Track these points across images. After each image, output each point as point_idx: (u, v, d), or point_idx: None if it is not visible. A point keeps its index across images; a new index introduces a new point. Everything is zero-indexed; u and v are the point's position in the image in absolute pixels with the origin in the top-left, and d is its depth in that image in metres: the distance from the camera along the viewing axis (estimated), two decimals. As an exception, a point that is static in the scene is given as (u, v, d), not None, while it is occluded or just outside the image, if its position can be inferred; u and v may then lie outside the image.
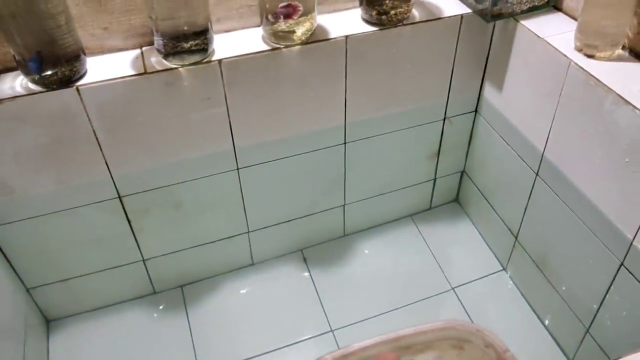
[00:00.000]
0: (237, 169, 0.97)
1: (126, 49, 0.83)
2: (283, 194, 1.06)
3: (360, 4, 0.89)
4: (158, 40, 0.78)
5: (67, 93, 0.75)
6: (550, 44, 0.83)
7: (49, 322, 1.04)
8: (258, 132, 0.93)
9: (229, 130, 0.90)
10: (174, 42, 0.77)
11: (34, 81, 0.74)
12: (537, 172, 0.94)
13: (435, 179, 1.21)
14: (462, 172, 1.23)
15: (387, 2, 0.87)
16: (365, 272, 1.17)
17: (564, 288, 0.96)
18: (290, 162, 1.00)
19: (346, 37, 0.86)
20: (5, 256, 0.90)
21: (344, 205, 1.16)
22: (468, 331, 0.63)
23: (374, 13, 0.88)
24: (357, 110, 0.97)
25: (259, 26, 0.87)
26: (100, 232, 0.95)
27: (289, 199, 1.08)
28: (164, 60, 0.80)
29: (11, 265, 0.92)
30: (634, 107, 0.70)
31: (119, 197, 0.91)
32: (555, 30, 0.85)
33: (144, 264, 1.04)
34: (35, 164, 0.81)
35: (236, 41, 0.84)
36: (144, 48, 0.83)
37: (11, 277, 0.91)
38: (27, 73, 0.74)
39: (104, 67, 0.79)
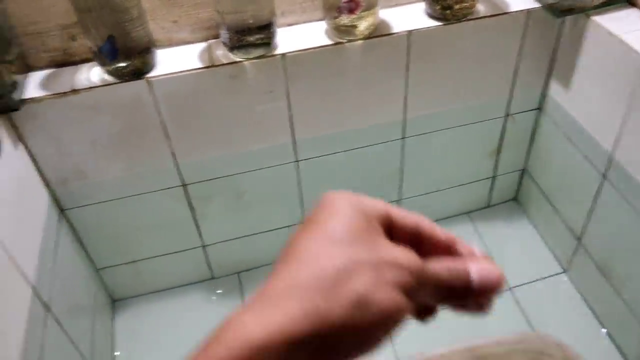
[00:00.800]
0: (296, 161, 0.98)
1: (193, 42, 0.85)
2: (339, 187, 1.06)
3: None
4: (224, 34, 0.80)
5: (139, 85, 0.79)
6: (624, 42, 0.79)
7: (114, 302, 1.10)
8: (317, 125, 0.94)
9: (289, 123, 0.92)
10: (240, 35, 0.80)
11: (108, 72, 0.78)
12: (604, 174, 0.91)
13: (494, 177, 1.19)
14: (523, 171, 1.20)
15: (451, -4, 0.86)
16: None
17: (628, 295, 0.92)
18: (348, 156, 1.01)
19: (409, 32, 0.86)
20: (78, 237, 0.95)
21: (399, 200, 1.16)
22: (547, 345, 0.62)
23: (437, 8, 0.87)
24: (417, 105, 0.97)
25: (321, 20, 0.88)
26: (165, 217, 0.99)
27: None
28: (229, 54, 0.82)
29: (83, 246, 0.97)
30: None
31: (184, 185, 0.94)
32: (629, 27, 0.82)
33: (204, 249, 1.07)
34: (108, 151, 0.85)
35: (299, 35, 0.85)
36: (210, 41, 0.86)
37: (83, 257, 0.97)
38: (102, 63, 0.78)
39: (173, 60, 0.82)
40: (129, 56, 0.77)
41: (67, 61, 0.82)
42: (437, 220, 1.23)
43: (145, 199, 0.94)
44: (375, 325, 0.25)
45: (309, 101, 0.90)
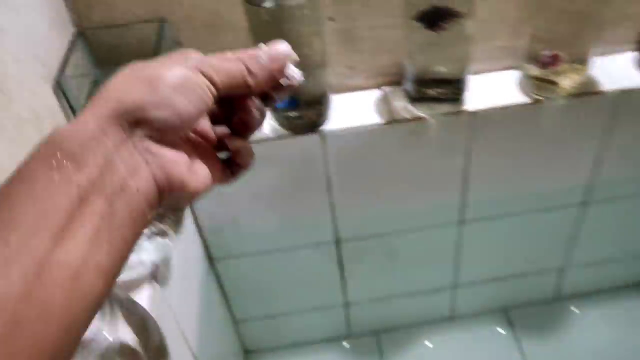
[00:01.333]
0: (461, 222, 0.88)
1: (366, 88, 0.77)
2: (501, 250, 0.95)
3: (638, 49, 0.75)
4: (408, 84, 0.71)
5: (312, 139, 0.72)
6: None
7: (247, 353, 1.04)
8: (492, 185, 0.83)
9: (462, 182, 0.81)
10: (427, 88, 0.71)
11: (280, 123, 0.72)
12: None
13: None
14: None
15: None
16: (582, 347, 1.02)
17: None
18: (517, 220, 0.89)
19: (621, 91, 0.73)
20: (222, 288, 0.90)
21: (563, 267, 1.02)
22: None
23: (655, 61, 0.73)
24: (611, 167, 0.83)
25: (511, 69, 0.77)
26: (311, 273, 0.91)
27: (506, 256, 0.97)
28: (409, 106, 0.73)
29: (225, 297, 0.92)
30: None
31: (337, 241, 0.87)
32: None
33: (346, 307, 0.99)
34: (266, 203, 0.79)
35: (488, 86, 0.75)
36: (385, 88, 0.77)
37: (224, 308, 0.92)
38: (275, 111, 0.71)
39: (347, 109, 0.74)
40: (305, 107, 0.70)
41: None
42: (604, 291, 1.08)
43: (294, 254, 0.87)
44: (179, 94, 0.28)
45: (488, 160, 0.79)
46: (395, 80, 0.76)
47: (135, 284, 0.60)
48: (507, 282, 1.02)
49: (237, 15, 0.67)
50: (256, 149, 0.71)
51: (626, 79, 0.74)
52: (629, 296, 1.08)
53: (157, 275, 0.61)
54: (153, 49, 0.62)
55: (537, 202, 0.88)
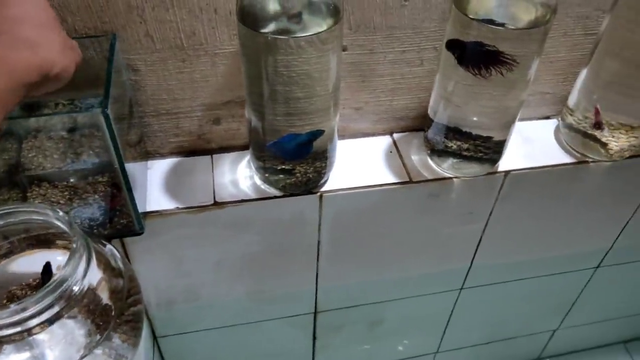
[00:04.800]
0: (461, 288, 0.74)
1: (374, 133, 0.61)
2: (496, 315, 0.83)
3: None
4: (434, 134, 0.55)
5: (306, 200, 0.54)
6: None
7: None
8: (505, 251, 0.70)
9: (474, 248, 0.67)
10: (457, 140, 0.55)
11: (265, 179, 0.53)
12: None
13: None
14: None
15: None
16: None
17: None
18: (522, 285, 0.77)
19: (672, 153, 0.61)
20: (164, 367, 0.70)
21: (555, 330, 0.91)
22: None
23: None
24: (636, 232, 0.72)
25: (546, 118, 0.64)
26: (279, 347, 0.74)
27: (500, 321, 0.85)
28: (429, 160, 0.57)
29: (167, 375, 0.72)
30: None
31: (315, 313, 0.70)
32: None
33: (313, 379, 0.82)
34: (237, 272, 0.61)
35: (520, 139, 0.61)
36: (396, 135, 0.61)
37: (165, 390, 0.72)
38: (260, 158, 0.53)
39: (351, 162, 0.57)
40: (302, 160, 0.52)
41: (198, 149, 0.57)
42: (586, 350, 1.00)
43: (261, 327, 0.69)
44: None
45: (509, 225, 0.65)
46: (410, 126, 0.60)
47: None
48: (493, 345, 0.90)
49: (219, 37, 0.48)
50: (229, 212, 0.53)
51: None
52: (614, 354, 1.00)
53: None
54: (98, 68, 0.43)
55: (548, 268, 0.75)
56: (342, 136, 0.59)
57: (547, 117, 0.64)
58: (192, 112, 0.54)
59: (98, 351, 0.38)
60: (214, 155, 0.57)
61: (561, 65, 0.59)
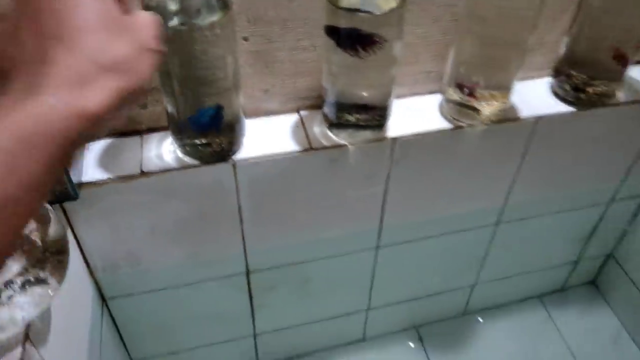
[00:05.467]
0: (377, 247, 0.84)
1: (283, 112, 0.71)
2: (415, 272, 0.93)
3: (554, 76, 0.75)
4: (328, 108, 0.66)
5: (222, 168, 0.64)
6: None
7: (147, 392, 0.94)
8: (409, 211, 0.80)
9: (380, 209, 0.77)
10: (347, 113, 0.65)
11: (186, 151, 0.63)
12: None
13: (577, 261, 1.06)
14: (609, 256, 1.07)
15: (582, 76, 0.73)
16: (487, 358, 1.04)
17: None
18: (433, 242, 0.88)
19: (537, 118, 0.72)
20: (116, 327, 0.79)
21: (473, 285, 1.02)
22: None
23: (569, 88, 0.74)
24: (522, 191, 0.83)
25: (433, 93, 0.74)
26: (219, 306, 0.83)
27: (420, 278, 0.95)
28: (329, 132, 0.68)
29: (120, 336, 0.81)
30: None
31: (247, 273, 0.79)
32: None
33: (254, 338, 0.92)
34: (170, 237, 0.70)
35: (410, 112, 0.71)
36: (302, 112, 0.71)
37: (118, 348, 0.81)
38: (180, 138, 0.62)
39: (262, 135, 0.67)
40: (215, 133, 0.62)
41: (130, 130, 0.66)
42: (506, 305, 1.11)
43: (201, 287, 0.79)
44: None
45: (408, 186, 0.76)
46: (315, 104, 0.70)
47: (5, 349, 0.49)
48: (420, 302, 1.01)
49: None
50: (155, 181, 0.63)
51: (542, 106, 0.74)
52: (531, 308, 1.11)
53: (31, 334, 0.51)
54: None
55: (453, 225, 0.86)
56: (255, 116, 0.69)
57: (434, 92, 0.74)
58: (120, 98, 0.63)
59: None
60: (144, 135, 0.67)
61: (437, 47, 0.70)
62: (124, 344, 0.83)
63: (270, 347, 0.96)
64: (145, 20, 0.31)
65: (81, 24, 0.26)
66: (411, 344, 1.06)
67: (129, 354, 0.85)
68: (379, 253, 0.85)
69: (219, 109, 0.57)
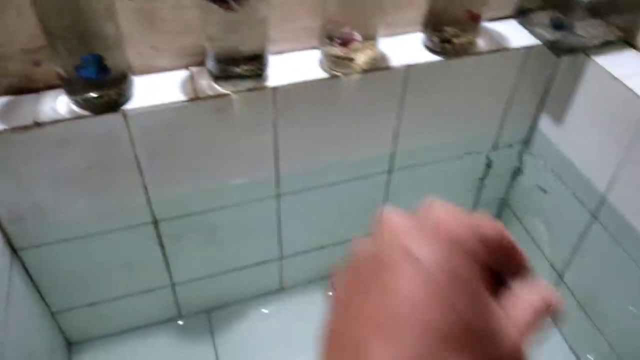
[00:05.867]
0: (278, 195, 0.91)
1: (174, 69, 0.77)
2: (320, 221, 1.01)
3: (423, 30, 0.84)
4: (211, 62, 0.72)
5: (113, 118, 0.70)
6: (626, 86, 0.78)
7: (71, 345, 0.99)
8: (303, 159, 0.88)
9: (273, 157, 0.85)
10: (228, 65, 0.72)
11: (78, 103, 0.69)
12: (595, 213, 0.90)
13: (473, 209, 1.16)
14: (502, 203, 1.18)
15: (450, 29, 0.81)
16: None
17: (610, 332, 0.91)
18: (332, 189, 0.95)
19: (407, 66, 0.81)
20: (32, 279, 0.84)
21: (380, 232, 1.11)
22: None
23: (436, 40, 0.82)
24: (406, 139, 0.92)
25: (314, 48, 0.82)
26: (132, 256, 0.89)
27: (326, 226, 1.03)
28: (214, 84, 0.74)
29: (37, 288, 0.86)
30: None
31: (155, 222, 0.86)
32: (630, 70, 0.80)
33: (173, 288, 0.99)
34: (72, 187, 0.76)
35: (291, 65, 0.79)
36: (192, 68, 0.77)
37: (37, 300, 0.86)
38: (72, 92, 0.68)
39: (152, 89, 0.73)
40: (103, 86, 0.67)
41: (28, 88, 0.71)
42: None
43: (110, 238, 0.85)
44: None
45: (296, 134, 0.83)
46: (203, 60, 0.76)
47: None
48: (332, 250, 1.09)
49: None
50: (50, 132, 0.68)
51: (413, 56, 0.82)
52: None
53: None
54: None
55: (349, 173, 0.94)
56: (146, 72, 0.75)
57: (315, 48, 0.81)
58: (14, 57, 0.68)
59: None
60: (42, 92, 0.72)
61: (312, 3, 0.77)
62: (42, 297, 0.88)
63: (190, 298, 1.02)
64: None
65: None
66: (329, 293, 1.14)
67: (48, 307, 0.90)
68: (282, 201, 0.93)
69: (98, 57, 0.63)
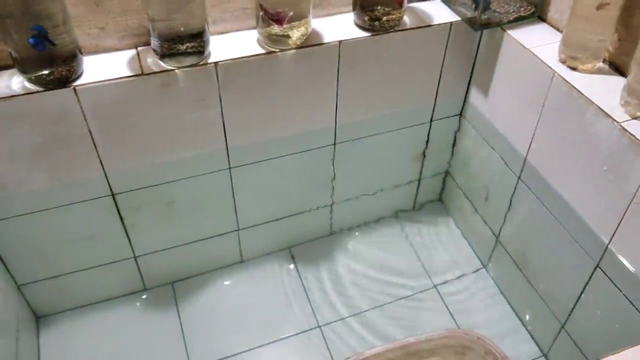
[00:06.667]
0: (229, 168, 0.98)
1: (122, 48, 0.83)
2: (273, 193, 1.08)
3: (354, 9, 0.91)
4: (154, 42, 0.79)
5: (64, 93, 0.76)
6: (535, 55, 0.86)
7: (39, 318, 1.05)
8: (251, 132, 0.95)
9: (222, 131, 0.91)
10: (171, 43, 0.79)
11: (30, 80, 0.75)
12: (519, 175, 0.98)
13: (420, 179, 1.24)
14: (446, 173, 1.26)
15: (379, 8, 0.89)
16: (352, 270, 1.20)
17: (542, 286, 1.00)
18: (281, 162, 1.02)
19: (340, 42, 0.88)
20: (-3, 252, 0.90)
21: (331, 205, 1.18)
22: (470, 339, 0.67)
23: (366, 19, 0.90)
24: (347, 112, 0.99)
25: (254, 28, 0.89)
26: (93, 229, 0.95)
27: (279, 198, 1.10)
28: (160, 62, 0.81)
29: (3, 262, 0.92)
30: (614, 119, 0.74)
31: (112, 195, 0.92)
32: (540, 41, 0.88)
33: (136, 260, 1.05)
34: (30, 162, 0.82)
35: (231, 43, 0.86)
36: (139, 48, 0.84)
37: (3, 273, 0.92)
38: (23, 69, 0.74)
39: (101, 67, 0.79)
40: (53, 63, 0.74)
41: (-17, 68, 0.77)
42: (367, 223, 1.28)
43: (71, 210, 0.91)
44: None
45: (242, 109, 0.90)
46: (148, 40, 0.83)
47: None
48: (287, 222, 1.16)
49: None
50: (4, 107, 0.74)
51: (345, 33, 0.89)
52: (385, 225, 1.28)
53: None
54: None
55: (296, 146, 1.01)
56: (95, 52, 0.82)
57: (251, 28, 0.89)
58: (-31, 39, 0.74)
59: None
60: (-2, 72, 0.78)
61: (248, -13, 0.84)
62: (8, 270, 0.94)
63: (152, 270, 1.08)
64: None
65: None
66: (286, 264, 1.20)
67: (14, 280, 0.96)
68: (233, 173, 0.99)
69: (44, 31, 0.69)
